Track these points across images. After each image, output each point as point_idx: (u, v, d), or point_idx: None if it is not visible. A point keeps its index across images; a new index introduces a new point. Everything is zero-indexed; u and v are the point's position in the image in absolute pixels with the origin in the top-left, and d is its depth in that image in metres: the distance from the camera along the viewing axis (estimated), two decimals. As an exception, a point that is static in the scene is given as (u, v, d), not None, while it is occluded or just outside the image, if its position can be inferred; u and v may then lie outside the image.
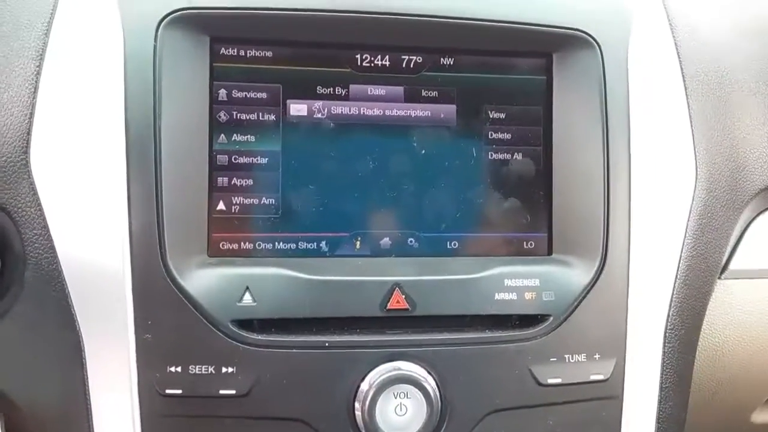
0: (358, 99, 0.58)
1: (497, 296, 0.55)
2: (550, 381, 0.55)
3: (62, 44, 0.53)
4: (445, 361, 0.54)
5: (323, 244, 0.57)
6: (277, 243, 0.56)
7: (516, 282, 0.56)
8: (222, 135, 0.55)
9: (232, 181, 0.55)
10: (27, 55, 0.53)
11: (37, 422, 0.54)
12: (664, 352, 0.59)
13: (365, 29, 0.57)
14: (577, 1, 0.60)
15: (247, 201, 0.56)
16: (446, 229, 0.58)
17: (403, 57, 0.58)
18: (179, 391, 0.51)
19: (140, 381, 0.51)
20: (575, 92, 0.59)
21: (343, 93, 0.57)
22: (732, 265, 0.64)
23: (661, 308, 0.59)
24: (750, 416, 0.72)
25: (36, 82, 0.52)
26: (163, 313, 0.51)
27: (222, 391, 0.51)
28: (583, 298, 0.56)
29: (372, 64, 0.58)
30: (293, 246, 0.56)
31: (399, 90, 0.58)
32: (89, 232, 0.51)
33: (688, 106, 0.62)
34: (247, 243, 0.55)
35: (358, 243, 0.57)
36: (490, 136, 0.59)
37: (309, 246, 0.56)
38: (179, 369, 0.51)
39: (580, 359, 0.56)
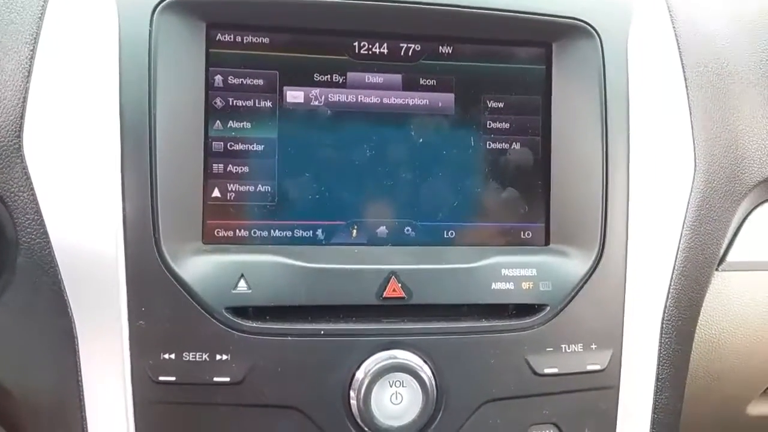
0: (356, 87, 0.57)
1: (494, 285, 0.55)
2: (547, 371, 0.55)
3: (57, 28, 0.53)
4: (441, 350, 0.54)
5: (319, 232, 0.56)
6: (272, 231, 0.56)
7: (513, 272, 0.56)
8: (218, 121, 0.55)
9: (228, 168, 0.55)
10: (21, 39, 0.52)
11: (29, 409, 0.54)
12: (660, 343, 0.59)
13: (363, 16, 0.56)
14: (577, -9, 0.60)
15: (242, 188, 0.55)
16: (443, 218, 0.58)
17: (402, 45, 0.58)
18: (173, 379, 0.51)
19: (133, 368, 0.51)
20: (574, 82, 0.59)
21: (341, 80, 0.57)
22: (730, 257, 0.64)
23: (658, 299, 0.59)
24: (746, 408, 0.72)
25: (30, 66, 0.52)
26: (156, 299, 0.51)
27: (216, 379, 0.51)
28: (580, 288, 0.56)
29: (370, 52, 0.57)
30: (289, 234, 0.56)
31: (397, 78, 0.58)
32: (83, 218, 0.51)
33: (688, 97, 0.62)
34: (242, 230, 0.55)
35: (355, 231, 0.57)
36: (488, 126, 0.59)
37: (305, 234, 0.56)
38: (173, 356, 0.51)
39: (576, 349, 0.56)
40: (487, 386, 0.55)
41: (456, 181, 0.58)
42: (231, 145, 0.55)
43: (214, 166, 0.55)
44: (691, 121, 0.61)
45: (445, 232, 0.58)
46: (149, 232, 0.51)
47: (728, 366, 0.66)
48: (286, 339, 0.52)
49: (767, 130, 0.64)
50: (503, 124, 0.59)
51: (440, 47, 0.58)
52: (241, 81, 0.55)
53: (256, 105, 0.56)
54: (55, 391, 0.52)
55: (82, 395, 0.52)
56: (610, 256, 0.57)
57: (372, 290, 0.53)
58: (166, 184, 0.52)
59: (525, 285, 0.56)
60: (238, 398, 0.52)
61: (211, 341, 0.51)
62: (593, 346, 0.56)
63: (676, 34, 0.63)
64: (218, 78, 0.55)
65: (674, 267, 0.59)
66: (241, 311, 0.52)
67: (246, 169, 0.55)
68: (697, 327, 0.62)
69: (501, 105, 0.59)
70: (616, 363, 0.57)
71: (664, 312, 0.59)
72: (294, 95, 0.56)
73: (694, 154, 0.61)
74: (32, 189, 0.51)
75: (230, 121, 0.55)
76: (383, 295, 0.54)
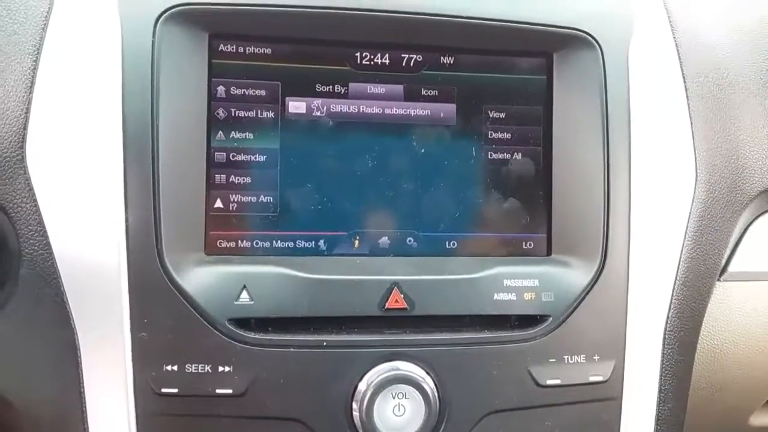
0: (358, 97, 0.57)
1: (496, 296, 0.55)
2: (549, 382, 0.55)
3: (60, 39, 0.53)
4: (443, 362, 0.54)
5: (321, 242, 0.56)
6: (274, 241, 0.56)
7: (515, 282, 0.56)
8: (220, 132, 0.55)
9: (230, 179, 0.55)
10: (24, 49, 0.52)
11: (31, 421, 0.54)
12: (663, 354, 0.59)
13: (365, 27, 0.57)
14: (578, 1, 0.60)
15: (244, 199, 0.55)
16: (445, 229, 0.58)
17: (403, 55, 0.58)
18: (175, 390, 0.51)
19: (136, 379, 0.51)
20: (576, 92, 0.59)
21: (343, 91, 0.57)
22: (731, 267, 0.64)
23: (660, 310, 0.59)
24: (748, 418, 0.72)
25: (33, 77, 0.52)
26: (159, 311, 0.51)
27: (218, 391, 0.51)
28: (583, 298, 0.56)
29: (372, 62, 0.58)
30: (291, 244, 0.56)
31: (399, 88, 0.58)
32: (85, 229, 0.51)
33: (689, 107, 0.62)
34: (244, 241, 0.55)
35: (357, 242, 0.57)
36: (489, 136, 0.59)
37: (307, 245, 0.56)
38: (175, 368, 0.51)
39: (579, 360, 0.56)
40: (490, 398, 0.55)
41: (458, 192, 0.58)
42: (233, 156, 0.55)
43: (217, 176, 0.55)
44: (692, 132, 0.61)
45: (447, 243, 0.58)
46: (152, 242, 0.51)
47: (731, 376, 0.65)
48: (289, 350, 0.52)
49: (768, 140, 0.64)
50: (504, 135, 0.59)
51: (442, 58, 0.59)
52: (244, 92, 0.55)
53: (258, 116, 0.56)
54: (57, 402, 0.52)
55: (85, 407, 0.52)
56: (612, 266, 0.57)
57: (374, 301, 0.53)
58: (168, 194, 0.52)
59: (527, 296, 0.56)
60: (241, 410, 0.52)
61: (214, 353, 0.51)
62: (596, 357, 0.56)
63: (676, 45, 0.63)
64: (221, 88, 0.55)
65: (676, 277, 0.59)
66: (243, 322, 0.52)
67: (248, 179, 0.55)
68: (700, 337, 0.62)
69: (502, 115, 0.59)
70: (618, 374, 0.57)
71: (667, 322, 0.59)
72: (296, 106, 0.56)
73: (695, 164, 0.61)
74: (35, 200, 0.51)
75: (232, 132, 0.55)
76: (385, 306, 0.53)
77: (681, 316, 0.60)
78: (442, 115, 0.58)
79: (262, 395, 0.52)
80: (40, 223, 0.51)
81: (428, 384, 0.53)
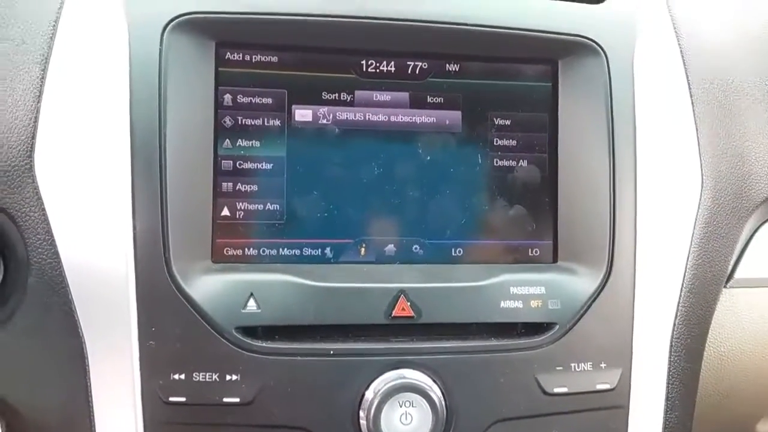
0: (364, 105, 0.57)
1: (503, 304, 0.55)
2: (556, 390, 0.55)
3: (67, 48, 0.53)
4: (450, 370, 0.54)
5: (328, 250, 0.56)
6: (281, 249, 0.56)
7: (521, 290, 0.56)
8: (227, 140, 0.55)
9: (237, 187, 0.55)
10: (32, 59, 0.53)
11: (38, 429, 0.54)
12: (670, 361, 0.59)
13: (371, 35, 0.57)
14: (583, 9, 0.60)
15: (251, 207, 0.55)
16: (451, 236, 0.58)
17: (409, 63, 0.58)
18: (183, 399, 0.51)
19: (143, 388, 0.51)
20: (581, 99, 0.59)
21: (349, 99, 0.57)
22: (737, 274, 0.64)
23: (667, 317, 0.59)
24: (756, 426, 0.71)
25: (41, 85, 0.52)
26: (166, 319, 0.51)
27: (226, 399, 0.51)
28: (589, 306, 0.56)
29: (377, 70, 0.58)
30: (298, 252, 0.56)
31: (404, 96, 0.58)
32: (93, 238, 0.51)
33: (694, 114, 0.62)
34: (251, 249, 0.55)
35: (363, 249, 0.57)
36: (495, 143, 0.59)
37: (313, 252, 0.56)
38: (183, 376, 0.51)
39: (586, 368, 0.56)
40: (497, 406, 0.54)
41: (463, 199, 0.58)
42: (240, 164, 0.55)
43: (224, 184, 0.55)
44: (698, 138, 0.61)
45: (453, 250, 0.58)
46: (159, 251, 0.51)
47: (738, 384, 0.65)
48: (296, 359, 0.52)
49: (774, 147, 0.64)
50: (510, 142, 0.59)
51: (447, 65, 0.59)
52: (250, 100, 0.56)
53: (265, 124, 0.56)
54: (65, 411, 0.52)
55: (92, 416, 0.52)
56: (619, 273, 0.57)
57: (381, 309, 0.53)
58: (176, 202, 0.52)
59: (534, 303, 0.55)
60: (248, 419, 0.52)
61: (221, 361, 0.51)
62: (603, 365, 0.56)
63: (681, 51, 0.63)
64: (227, 97, 0.55)
65: (683, 284, 0.59)
66: (250, 331, 0.52)
67: (255, 187, 0.55)
68: (706, 345, 0.62)
69: (508, 122, 0.59)
70: (625, 382, 0.57)
71: (673, 330, 0.59)
72: (302, 114, 0.57)
73: (701, 170, 0.61)
74: (43, 209, 0.51)
75: (239, 140, 0.55)
76: (392, 314, 0.53)
77: (688, 323, 0.60)
78: (447, 122, 0.58)
79: (270, 404, 0.52)
80: (48, 231, 0.51)
81: (435, 392, 0.53)
